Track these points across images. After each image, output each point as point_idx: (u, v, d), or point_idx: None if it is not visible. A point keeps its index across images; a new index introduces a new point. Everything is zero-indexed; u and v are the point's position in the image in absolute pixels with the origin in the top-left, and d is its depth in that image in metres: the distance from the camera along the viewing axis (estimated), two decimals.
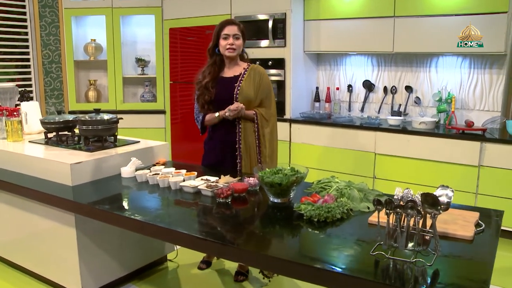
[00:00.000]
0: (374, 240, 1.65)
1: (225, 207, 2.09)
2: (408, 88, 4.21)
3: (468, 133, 3.54)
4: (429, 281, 1.40)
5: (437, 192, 1.56)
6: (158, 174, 2.47)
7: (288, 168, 2.18)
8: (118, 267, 2.72)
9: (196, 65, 4.85)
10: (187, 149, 4.94)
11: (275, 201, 2.11)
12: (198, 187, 2.25)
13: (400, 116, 4.11)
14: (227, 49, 2.68)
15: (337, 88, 4.59)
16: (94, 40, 5.18)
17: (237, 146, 2.76)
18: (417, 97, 4.18)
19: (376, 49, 4.08)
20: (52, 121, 3.02)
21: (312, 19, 4.35)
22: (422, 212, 1.44)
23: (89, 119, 2.80)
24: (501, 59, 3.76)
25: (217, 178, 2.39)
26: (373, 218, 1.86)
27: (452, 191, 1.54)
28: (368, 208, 2.01)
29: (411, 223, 1.46)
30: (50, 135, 3.07)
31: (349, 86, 4.57)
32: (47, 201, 2.37)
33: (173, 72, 5.05)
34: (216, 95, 2.73)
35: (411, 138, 3.73)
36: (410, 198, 1.49)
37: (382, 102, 4.38)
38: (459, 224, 1.75)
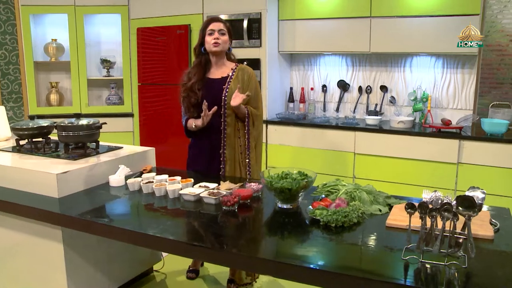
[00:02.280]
0: (399, 244, 1.63)
1: (231, 215, 1.99)
2: (383, 88, 4.27)
3: (446, 131, 3.64)
4: (467, 283, 1.38)
5: (468, 194, 1.55)
6: (152, 182, 2.33)
7: (295, 172, 2.12)
8: (106, 281, 2.55)
9: (167, 66, 4.69)
10: (158, 153, 4.75)
11: (284, 206, 2.04)
12: (200, 195, 2.13)
13: (377, 115, 4.16)
14: (213, 43, 2.59)
15: (312, 89, 4.59)
16: (55, 40, 4.88)
17: (221, 151, 2.67)
18: (392, 97, 4.25)
19: (352, 49, 4.11)
20: (25, 127, 2.79)
21: (287, 19, 4.32)
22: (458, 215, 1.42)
23: (70, 124, 2.60)
24: (472, 59, 3.89)
25: (217, 184, 2.29)
26: (391, 221, 1.83)
27: (483, 192, 1.54)
28: (380, 210, 1.99)
29: (446, 226, 1.44)
30: (22, 142, 2.85)
31: (324, 86, 4.57)
32: (32, 216, 2.16)
33: (142, 74, 4.84)
34: (203, 97, 2.61)
35: (390, 137, 3.78)
36: (445, 201, 1.47)
37: (357, 102, 4.42)
38: (477, 224, 1.75)
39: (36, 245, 2.32)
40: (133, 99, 4.97)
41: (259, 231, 1.93)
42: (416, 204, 1.52)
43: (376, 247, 1.67)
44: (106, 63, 4.97)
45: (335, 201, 1.99)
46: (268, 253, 1.64)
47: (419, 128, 3.84)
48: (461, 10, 3.61)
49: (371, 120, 4.00)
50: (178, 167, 2.86)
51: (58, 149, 2.76)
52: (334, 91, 4.56)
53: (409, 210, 1.51)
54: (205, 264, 3.06)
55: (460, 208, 1.42)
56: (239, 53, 4.27)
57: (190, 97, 2.64)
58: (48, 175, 2.24)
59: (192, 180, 2.33)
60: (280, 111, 4.58)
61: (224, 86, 2.62)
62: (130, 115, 4.99)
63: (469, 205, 1.41)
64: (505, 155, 3.39)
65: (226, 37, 2.63)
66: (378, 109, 4.28)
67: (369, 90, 4.35)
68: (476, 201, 1.48)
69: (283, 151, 4.25)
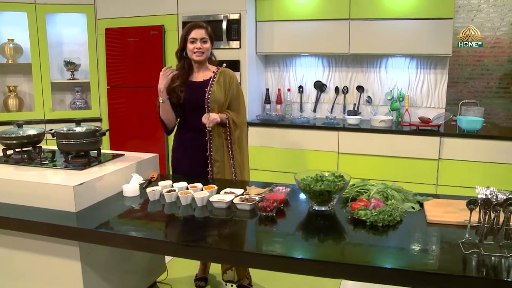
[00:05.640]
0: (450, 239, 1.70)
1: (270, 220, 1.96)
2: (360, 88, 4.40)
3: (424, 129, 3.82)
4: None
5: None
6: (174, 190, 2.23)
7: (328, 174, 2.13)
8: None
9: (139, 68, 4.51)
10: None
11: (322, 209, 2.04)
12: (233, 201, 2.08)
13: (356, 115, 4.28)
14: (195, 53, 2.59)
15: (289, 90, 4.63)
16: (12, 40, 4.51)
17: (207, 154, 2.65)
18: (369, 97, 4.39)
19: (332, 50, 4.19)
20: (14, 135, 2.56)
21: (265, 20, 4.32)
22: None
23: (71, 132, 2.43)
24: (443, 60, 4.12)
25: (243, 190, 2.24)
26: (433, 218, 1.89)
27: None
28: (413, 208, 2.05)
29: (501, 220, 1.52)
30: (9, 152, 2.61)
31: (300, 87, 4.63)
32: (49, 233, 1.97)
33: (111, 76, 4.61)
34: (186, 99, 2.62)
35: (373, 136, 3.90)
36: (505, 197, 1.55)
37: (334, 102, 4.52)
38: None
39: (53, 266, 2.12)
40: (101, 103, 4.72)
41: (309, 234, 1.90)
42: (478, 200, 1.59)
43: (432, 243, 1.72)
44: (71, 66, 4.67)
45: (371, 201, 2.02)
46: (338, 256, 1.64)
47: (396, 127, 4.01)
48: (435, 14, 3.81)
49: (352, 119, 4.11)
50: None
51: (55, 159, 2.56)
52: (311, 92, 4.62)
53: (471, 206, 1.57)
54: (211, 270, 2.99)
55: None
56: (218, 54, 4.17)
57: (171, 97, 2.63)
58: (63, 187, 2.06)
59: (216, 187, 2.26)
60: (258, 112, 4.57)
61: (206, 89, 2.63)
62: (98, 119, 4.73)
63: None
64: (481, 150, 3.63)
65: (208, 45, 2.63)
66: (355, 109, 4.40)
67: (345, 90, 4.46)
68: None
69: (266, 153, 4.24)
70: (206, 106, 2.60)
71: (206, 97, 2.60)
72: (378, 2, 3.94)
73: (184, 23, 4.27)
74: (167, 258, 3.00)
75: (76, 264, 2.09)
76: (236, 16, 4.13)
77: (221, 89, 2.65)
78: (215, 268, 3.00)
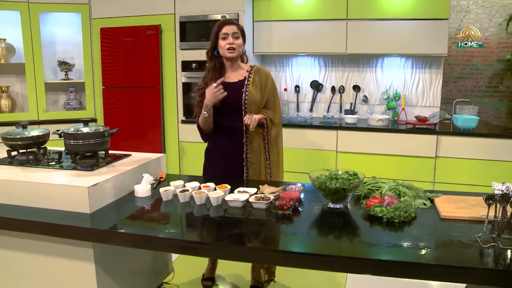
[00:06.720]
0: (465, 234, 1.74)
1: (287, 218, 1.98)
2: (356, 88, 4.46)
3: (421, 128, 3.89)
4: None
5: None
6: (187, 190, 2.22)
7: (341, 172, 2.16)
8: None
9: (136, 68, 4.48)
10: None
11: (337, 206, 2.07)
12: (249, 200, 2.09)
13: (353, 114, 4.33)
14: (227, 49, 2.51)
15: (285, 89, 4.65)
16: (4, 39, 4.43)
17: (244, 156, 2.62)
18: (365, 96, 4.44)
19: (329, 50, 4.23)
20: (19, 136, 2.52)
21: (262, 20, 4.33)
22: None
23: (80, 132, 2.41)
24: (438, 59, 4.20)
25: (256, 189, 2.25)
26: (446, 214, 1.94)
27: None
28: (425, 204, 2.09)
29: None
30: (13, 153, 2.57)
31: (296, 86, 4.66)
32: (67, 235, 1.95)
33: (107, 76, 4.57)
34: (222, 101, 2.53)
35: (371, 134, 3.96)
36: None
37: (330, 102, 4.56)
38: None
39: (66, 267, 2.10)
40: (96, 104, 4.67)
41: (328, 232, 1.91)
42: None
43: (448, 238, 1.76)
44: (65, 66, 4.61)
45: (384, 198, 2.05)
46: (362, 252, 1.66)
47: (395, 126, 4.06)
48: (432, 15, 3.89)
49: (350, 119, 4.16)
50: None
51: (61, 160, 2.53)
52: (307, 91, 4.66)
53: (489, 201, 1.62)
54: (218, 270, 2.99)
55: None
56: None
57: None
58: (76, 188, 2.04)
59: (229, 186, 2.26)
60: None
61: (243, 90, 2.57)
62: (93, 120, 4.68)
63: None
64: (477, 148, 3.71)
65: (240, 41, 2.55)
66: (352, 108, 4.45)
67: (342, 90, 4.51)
68: None
69: None
70: (243, 108, 2.55)
71: (243, 98, 2.54)
72: (375, 3, 4.00)
73: (182, 23, 4.27)
74: (173, 257, 2.99)
75: (90, 266, 2.07)
76: (233, 16, 4.13)
77: (257, 89, 2.59)
78: (221, 268, 3.00)
